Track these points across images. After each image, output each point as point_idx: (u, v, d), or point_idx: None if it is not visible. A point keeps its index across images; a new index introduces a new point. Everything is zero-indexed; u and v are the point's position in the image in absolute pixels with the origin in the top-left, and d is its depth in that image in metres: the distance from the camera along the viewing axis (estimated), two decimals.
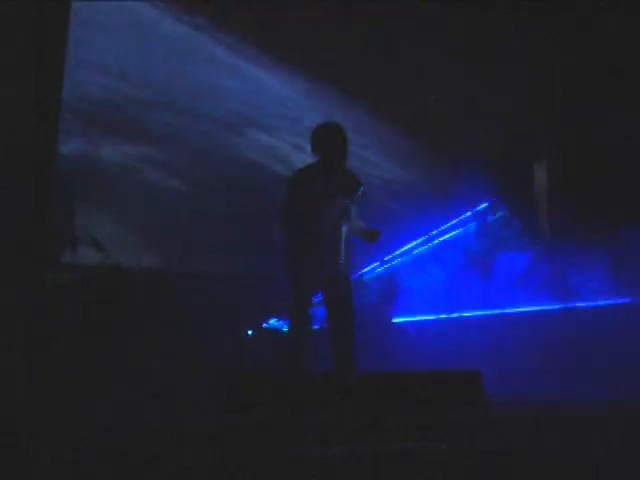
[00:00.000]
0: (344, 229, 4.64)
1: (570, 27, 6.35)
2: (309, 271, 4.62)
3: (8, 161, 4.42)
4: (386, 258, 6.81)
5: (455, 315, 6.56)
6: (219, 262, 6.27)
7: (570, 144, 6.65)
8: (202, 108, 6.32)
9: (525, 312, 6.41)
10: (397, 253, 6.83)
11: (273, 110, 6.68)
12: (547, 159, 6.99)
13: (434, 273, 6.74)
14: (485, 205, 6.93)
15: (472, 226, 6.90)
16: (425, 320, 6.56)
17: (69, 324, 4.93)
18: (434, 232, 6.86)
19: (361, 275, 6.66)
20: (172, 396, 4.92)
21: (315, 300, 4.94)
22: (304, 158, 6.53)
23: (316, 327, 5.51)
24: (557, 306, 6.40)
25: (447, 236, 6.90)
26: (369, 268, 6.77)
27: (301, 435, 3.73)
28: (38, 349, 4.50)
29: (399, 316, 6.59)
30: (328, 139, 4.71)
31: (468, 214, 6.95)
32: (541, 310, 6.40)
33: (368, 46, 6.54)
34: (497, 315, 6.42)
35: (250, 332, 6.27)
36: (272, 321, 6.37)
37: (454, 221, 6.93)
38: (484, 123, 6.65)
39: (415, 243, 6.84)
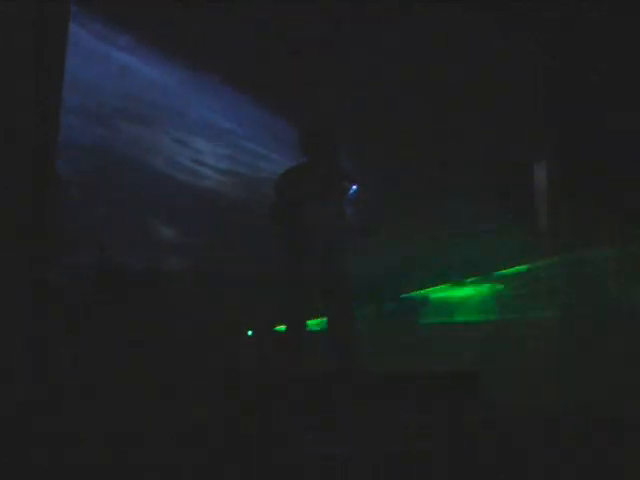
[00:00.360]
0: (338, 229, 4.62)
1: (570, 27, 6.35)
2: (305, 272, 4.62)
3: (8, 161, 4.43)
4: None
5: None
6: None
7: (570, 144, 6.65)
8: (70, 100, 5.62)
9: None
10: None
11: (152, 102, 6.13)
12: (547, 159, 6.98)
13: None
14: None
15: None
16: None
17: (69, 324, 4.93)
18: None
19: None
20: (171, 395, 4.92)
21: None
22: (188, 153, 6.25)
23: (315, 329, 5.52)
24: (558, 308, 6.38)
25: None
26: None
27: (301, 435, 3.73)
28: (38, 349, 4.50)
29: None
30: (317, 139, 4.69)
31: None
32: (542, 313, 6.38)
33: (259, 35, 6.09)
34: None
35: (250, 332, 6.26)
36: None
37: None
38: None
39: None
